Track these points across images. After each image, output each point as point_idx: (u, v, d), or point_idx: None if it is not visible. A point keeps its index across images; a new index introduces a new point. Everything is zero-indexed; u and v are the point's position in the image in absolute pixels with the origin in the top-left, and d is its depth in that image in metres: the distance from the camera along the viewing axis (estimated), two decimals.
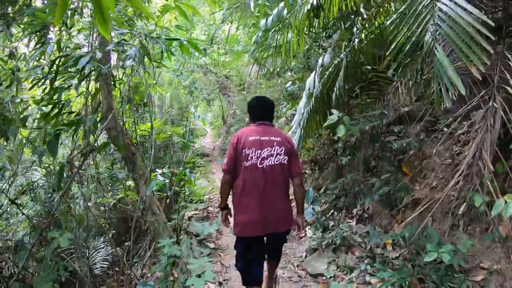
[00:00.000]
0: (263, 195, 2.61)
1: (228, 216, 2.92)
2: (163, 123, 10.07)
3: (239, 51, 10.83)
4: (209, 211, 6.45)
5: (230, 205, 2.85)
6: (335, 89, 3.80)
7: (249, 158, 2.61)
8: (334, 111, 3.89)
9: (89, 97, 5.71)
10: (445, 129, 4.45)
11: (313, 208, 4.38)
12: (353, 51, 4.03)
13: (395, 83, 4.69)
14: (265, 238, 2.79)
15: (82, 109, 5.27)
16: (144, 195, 6.29)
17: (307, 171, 6.32)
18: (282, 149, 2.68)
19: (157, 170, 7.78)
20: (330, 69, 4.12)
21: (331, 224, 4.58)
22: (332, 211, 5.01)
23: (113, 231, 7.53)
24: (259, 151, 2.62)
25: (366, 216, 4.48)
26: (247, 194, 2.63)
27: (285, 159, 2.68)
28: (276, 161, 2.64)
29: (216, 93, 16.69)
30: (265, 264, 2.99)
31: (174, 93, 15.86)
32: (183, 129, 10.35)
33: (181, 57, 14.54)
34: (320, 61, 3.81)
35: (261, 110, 2.84)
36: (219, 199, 2.89)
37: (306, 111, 3.91)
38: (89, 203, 7.08)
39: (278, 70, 9.38)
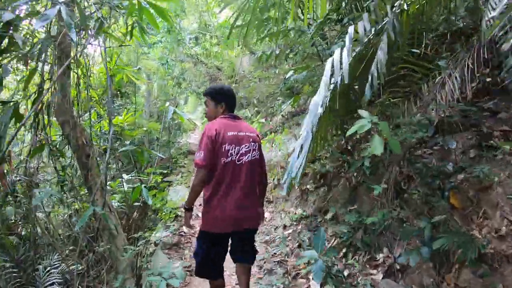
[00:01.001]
0: (243, 192, 2.53)
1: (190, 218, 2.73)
2: (138, 116, 8.54)
3: (230, 40, 9.36)
4: (183, 232, 4.98)
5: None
6: (369, 77, 2.33)
7: (229, 155, 2.49)
8: (363, 112, 2.46)
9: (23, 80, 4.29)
10: (507, 147, 3.08)
11: (326, 261, 2.93)
12: (401, 21, 2.56)
13: (440, 77, 3.29)
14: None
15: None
16: (100, 211, 4.84)
17: (308, 187, 4.87)
18: (256, 145, 2.65)
19: (124, 175, 6.32)
20: (358, 49, 2.64)
21: (345, 273, 3.15)
22: (345, 250, 3.57)
23: (71, 247, 6.00)
24: (238, 147, 2.53)
25: (398, 268, 3.04)
26: (226, 192, 2.50)
27: (258, 154, 2.66)
28: (253, 157, 2.60)
29: (206, 85, 15.13)
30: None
31: (161, 84, 14.36)
32: (165, 124, 8.85)
33: (168, 44, 13.00)
34: (349, 32, 2.32)
35: (234, 100, 2.73)
36: (187, 198, 2.59)
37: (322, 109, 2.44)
38: (40, 214, 5.65)
39: (274, 59, 7.90)
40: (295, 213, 4.86)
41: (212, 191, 2.49)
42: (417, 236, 3.05)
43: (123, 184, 5.65)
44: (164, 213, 5.43)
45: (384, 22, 2.50)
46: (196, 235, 2.70)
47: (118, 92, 9.52)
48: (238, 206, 2.49)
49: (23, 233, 5.63)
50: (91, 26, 3.78)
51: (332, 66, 2.25)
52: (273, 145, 7.00)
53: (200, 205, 5.15)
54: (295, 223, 4.63)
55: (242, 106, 10.76)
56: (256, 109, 9.43)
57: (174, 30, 12.53)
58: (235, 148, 2.50)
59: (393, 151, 2.65)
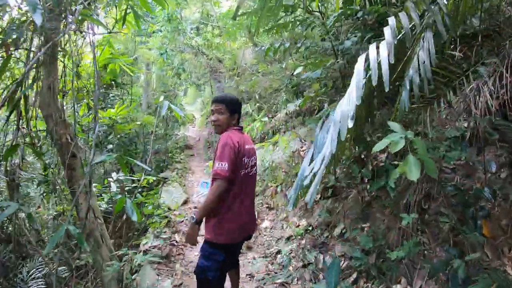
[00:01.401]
0: (251, 202, 2.66)
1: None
2: (132, 109, 8.03)
3: (233, 30, 8.82)
4: (175, 242, 4.52)
5: None
6: (407, 82, 1.84)
7: (246, 167, 2.52)
8: (395, 125, 1.99)
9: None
10: None
11: None
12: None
13: (475, 83, 2.84)
14: None
15: None
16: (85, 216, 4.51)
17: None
18: (256, 157, 2.72)
19: (113, 174, 5.85)
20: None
21: None
22: (355, 276, 3.12)
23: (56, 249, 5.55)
24: (250, 160, 2.56)
25: None
26: (241, 202, 2.49)
27: (257, 166, 2.73)
28: (255, 170, 2.67)
29: (207, 77, 14.58)
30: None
31: (160, 74, 13.80)
32: (159, 117, 8.33)
33: (168, 33, 12.42)
34: (391, 23, 1.82)
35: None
36: (199, 208, 2.42)
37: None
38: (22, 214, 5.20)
39: (282, 53, 7.38)
40: (299, 225, 4.41)
41: (228, 203, 2.43)
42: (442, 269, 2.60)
43: (111, 185, 5.19)
44: (154, 221, 4.93)
45: (427, 15, 2.00)
46: (200, 249, 2.54)
47: (113, 83, 8.98)
48: (248, 214, 2.59)
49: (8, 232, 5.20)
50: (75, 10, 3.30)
51: (367, 66, 1.76)
52: (276, 146, 6.52)
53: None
54: (298, 236, 4.17)
55: (243, 101, 10.25)
56: (257, 104, 8.92)
57: (174, 19, 11.95)
58: (249, 161, 2.55)
59: (427, 173, 2.18)
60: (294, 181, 5.68)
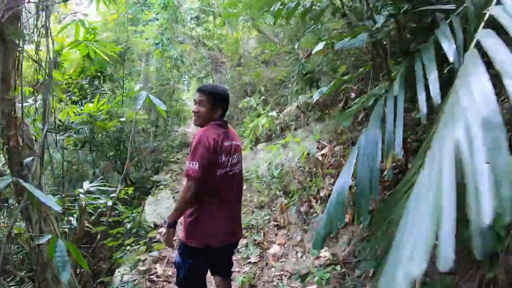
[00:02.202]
0: (234, 205, 2.42)
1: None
2: (117, 103, 6.90)
3: (232, 12, 7.63)
4: (155, 276, 3.39)
5: None
6: None
7: (223, 166, 2.27)
8: None
9: None
10: None
11: None
12: None
13: None
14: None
15: None
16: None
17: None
18: (241, 155, 2.50)
19: (84, 184, 4.74)
20: None
21: None
22: None
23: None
24: (230, 158, 2.32)
25: None
26: (219, 204, 2.28)
27: (242, 164, 2.51)
28: (238, 168, 2.43)
29: (208, 70, 13.42)
30: None
31: (157, 67, 12.66)
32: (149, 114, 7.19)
33: (165, 21, 11.25)
34: None
35: (228, 106, 2.47)
36: (172, 210, 2.26)
37: None
38: None
39: (297, 17, 6.18)
40: (319, 256, 3.27)
41: (203, 204, 2.26)
42: None
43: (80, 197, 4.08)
44: (126, 253, 3.75)
45: None
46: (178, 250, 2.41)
47: (99, 74, 7.85)
48: (230, 218, 2.38)
49: None
50: None
51: None
52: (285, 146, 5.36)
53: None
54: (320, 278, 3.02)
55: (246, 94, 9.08)
56: (263, 97, 7.76)
57: (171, 5, 10.78)
58: (229, 159, 2.31)
59: None
60: (309, 193, 4.58)
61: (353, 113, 2.39)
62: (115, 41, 9.44)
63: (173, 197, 5.87)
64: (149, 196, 5.56)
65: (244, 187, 5.05)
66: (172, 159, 8.84)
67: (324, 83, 5.61)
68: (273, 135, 6.19)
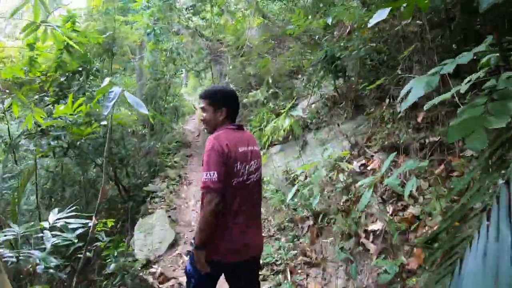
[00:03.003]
0: (252, 216, 2.13)
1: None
2: (96, 104, 5.74)
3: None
4: None
5: None
6: None
7: (240, 175, 2.03)
8: None
9: None
10: None
11: None
12: None
13: None
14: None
15: None
16: None
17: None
18: (260, 162, 2.22)
19: (52, 213, 3.56)
20: None
21: None
22: None
23: None
24: (247, 165, 2.07)
25: None
26: (233, 216, 2.02)
27: (261, 172, 2.23)
28: (258, 176, 2.17)
29: (206, 62, 12.22)
30: None
31: (151, 60, 11.46)
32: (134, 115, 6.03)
33: (156, 8, 10.02)
34: None
35: (236, 105, 2.21)
36: (196, 231, 1.99)
37: None
38: None
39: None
40: None
41: (223, 217, 2.00)
42: None
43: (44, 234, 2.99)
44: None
45: None
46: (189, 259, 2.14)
47: (81, 70, 6.69)
48: (247, 230, 2.08)
49: None
50: None
51: None
52: (304, 149, 4.26)
53: None
54: None
55: (251, 87, 7.93)
56: (271, 90, 6.61)
57: None
58: (245, 167, 2.06)
59: None
60: (343, 214, 3.42)
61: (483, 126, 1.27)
62: (103, 32, 8.25)
63: (169, 217, 4.76)
64: (140, 219, 4.43)
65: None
66: (169, 163, 7.70)
67: (351, 71, 4.50)
68: (290, 136, 5.06)
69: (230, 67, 8.03)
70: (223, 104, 2.12)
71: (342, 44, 3.95)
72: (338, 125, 4.24)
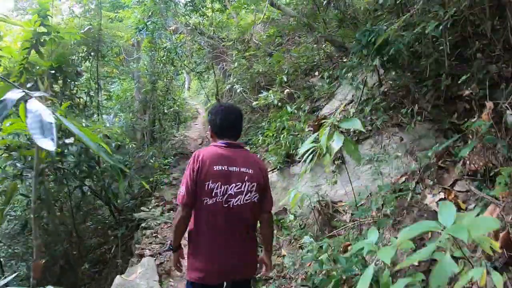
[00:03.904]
0: (228, 242, 1.98)
1: (180, 258, 2.15)
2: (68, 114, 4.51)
3: None
4: None
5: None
6: None
7: (213, 195, 1.93)
8: None
9: None
10: None
11: None
12: None
13: None
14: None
15: None
16: None
17: None
18: (254, 185, 2.01)
19: None
20: None
21: None
22: None
23: None
24: (226, 186, 1.95)
25: None
26: (207, 240, 1.97)
27: (256, 197, 2.02)
28: (246, 200, 1.99)
29: (208, 61, 10.96)
30: None
31: (146, 61, 10.26)
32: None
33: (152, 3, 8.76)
34: None
35: (230, 123, 2.10)
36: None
37: None
38: None
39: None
40: None
41: (193, 236, 2.01)
42: None
43: None
44: None
45: None
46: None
47: (55, 73, 5.49)
48: (225, 255, 1.97)
49: None
50: None
51: None
52: (340, 164, 3.00)
53: None
54: None
55: (259, 88, 6.64)
56: (286, 91, 5.32)
57: None
58: (222, 187, 1.94)
59: None
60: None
61: None
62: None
63: (161, 265, 3.50)
64: (118, 277, 3.15)
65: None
66: (166, 180, 6.44)
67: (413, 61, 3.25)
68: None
69: (235, 64, 6.75)
70: (209, 121, 2.14)
71: (400, 22, 2.66)
72: (390, 135, 2.96)
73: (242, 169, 1.98)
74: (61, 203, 6.10)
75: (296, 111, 4.58)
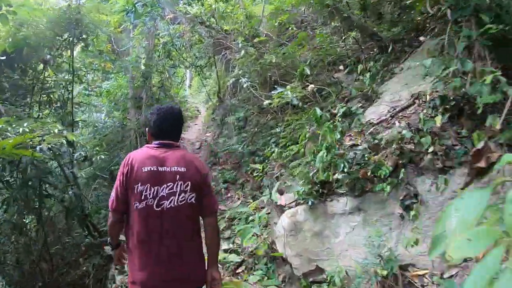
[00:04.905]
0: (166, 250, 1.82)
1: (123, 252, 2.08)
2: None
3: None
4: None
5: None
6: None
7: (142, 198, 1.81)
8: None
9: None
10: None
11: None
12: None
13: None
14: None
15: None
16: None
17: None
18: (187, 185, 1.86)
19: None
20: None
21: None
22: None
23: None
24: (157, 187, 1.82)
25: None
26: (141, 248, 1.82)
27: (192, 197, 1.88)
28: (181, 202, 1.85)
29: (209, 53, 9.68)
30: None
31: (137, 53, 9.00)
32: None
33: None
34: None
35: (166, 123, 1.99)
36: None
37: None
38: None
39: None
40: None
41: (130, 242, 1.88)
42: None
43: None
44: None
45: None
46: None
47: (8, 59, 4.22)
48: (160, 268, 1.81)
49: None
50: None
51: None
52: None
53: None
54: None
55: (270, 82, 5.34)
56: (311, 86, 4.01)
57: None
58: (151, 189, 1.82)
59: None
60: None
61: None
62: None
63: None
64: None
65: None
66: None
67: None
68: (375, 177, 2.42)
69: (241, 53, 5.39)
70: (146, 123, 2.17)
71: None
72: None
73: (174, 168, 1.85)
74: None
75: (327, 114, 3.27)
